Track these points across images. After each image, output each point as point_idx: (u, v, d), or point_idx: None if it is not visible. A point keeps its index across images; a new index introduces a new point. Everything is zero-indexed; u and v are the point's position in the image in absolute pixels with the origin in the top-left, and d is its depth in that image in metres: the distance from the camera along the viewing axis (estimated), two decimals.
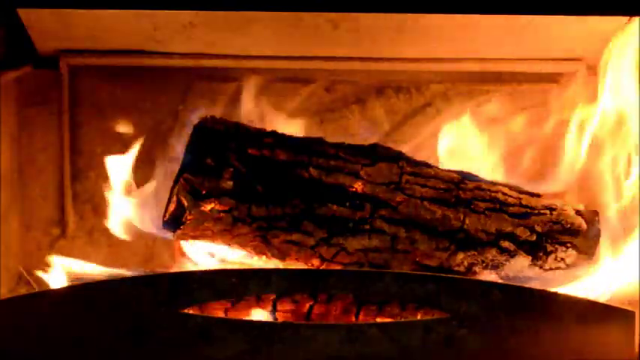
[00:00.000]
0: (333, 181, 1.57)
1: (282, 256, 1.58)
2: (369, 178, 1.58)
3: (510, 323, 1.43)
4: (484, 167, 1.72)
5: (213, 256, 1.65)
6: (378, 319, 1.47)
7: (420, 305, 1.46)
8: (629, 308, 1.47)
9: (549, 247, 1.58)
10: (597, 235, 1.60)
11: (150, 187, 1.70)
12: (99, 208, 1.92)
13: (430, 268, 1.56)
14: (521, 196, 1.61)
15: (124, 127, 1.87)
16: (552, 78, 1.90)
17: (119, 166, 1.73)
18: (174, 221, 1.57)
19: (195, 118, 1.64)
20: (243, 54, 1.89)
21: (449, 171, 1.62)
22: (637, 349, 1.44)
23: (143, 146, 1.81)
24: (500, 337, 1.43)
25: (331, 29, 1.79)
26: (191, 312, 1.43)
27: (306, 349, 1.42)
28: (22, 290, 1.77)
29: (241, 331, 1.42)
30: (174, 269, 1.66)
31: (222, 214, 1.55)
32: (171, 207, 1.57)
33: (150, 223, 1.65)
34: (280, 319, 1.47)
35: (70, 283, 1.61)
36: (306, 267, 1.57)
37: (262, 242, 1.57)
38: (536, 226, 1.58)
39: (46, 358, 1.43)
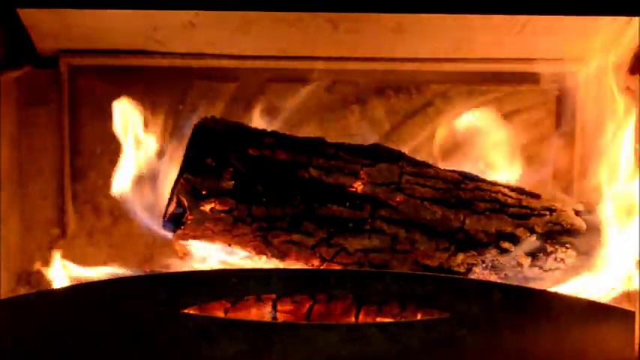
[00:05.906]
0: (333, 181, 1.57)
1: (282, 256, 1.57)
2: (369, 178, 1.58)
3: (510, 323, 1.43)
4: (484, 167, 1.72)
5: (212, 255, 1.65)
6: (378, 319, 1.47)
7: (420, 305, 1.46)
8: (629, 308, 1.47)
9: (549, 248, 1.58)
10: (597, 236, 1.60)
11: (150, 187, 1.69)
12: (99, 208, 1.92)
13: (430, 269, 1.56)
14: (521, 196, 1.61)
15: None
16: (552, 78, 1.90)
17: (118, 167, 1.73)
18: (174, 221, 1.57)
19: (195, 118, 1.64)
20: (243, 54, 1.89)
21: (449, 171, 1.62)
22: (637, 349, 1.44)
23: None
24: (500, 337, 1.43)
25: (331, 29, 1.78)
26: (191, 312, 1.43)
27: (306, 349, 1.42)
28: (22, 290, 1.77)
29: (241, 331, 1.42)
30: (174, 269, 1.66)
31: (222, 214, 1.55)
32: (172, 207, 1.57)
33: (150, 223, 1.65)
34: (280, 319, 1.47)
35: (70, 283, 1.61)
36: (306, 267, 1.57)
37: (262, 242, 1.57)
38: (536, 226, 1.58)
39: (46, 358, 1.43)
